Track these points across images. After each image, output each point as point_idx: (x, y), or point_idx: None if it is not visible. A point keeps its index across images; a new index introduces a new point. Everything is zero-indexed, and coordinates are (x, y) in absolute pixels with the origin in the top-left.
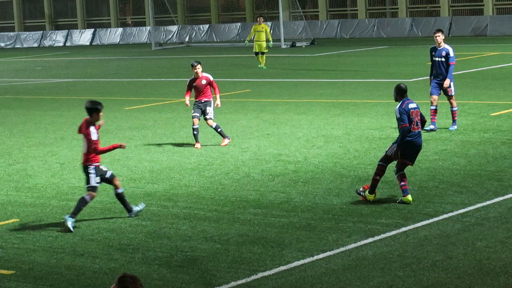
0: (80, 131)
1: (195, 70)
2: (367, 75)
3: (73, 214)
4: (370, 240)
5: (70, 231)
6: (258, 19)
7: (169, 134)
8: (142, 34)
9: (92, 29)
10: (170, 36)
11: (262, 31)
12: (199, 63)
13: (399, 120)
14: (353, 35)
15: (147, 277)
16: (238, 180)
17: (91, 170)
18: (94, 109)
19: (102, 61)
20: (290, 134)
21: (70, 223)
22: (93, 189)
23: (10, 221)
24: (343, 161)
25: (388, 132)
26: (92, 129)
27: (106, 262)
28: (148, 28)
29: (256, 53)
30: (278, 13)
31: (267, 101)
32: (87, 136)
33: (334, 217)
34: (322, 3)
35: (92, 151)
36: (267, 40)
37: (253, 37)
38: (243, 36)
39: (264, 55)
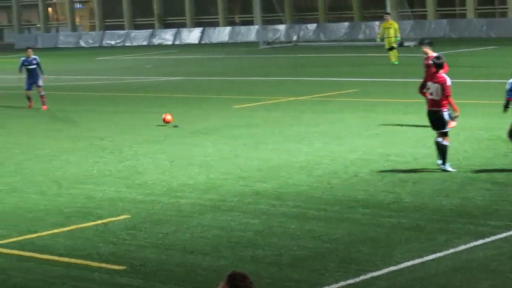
0: (429, 79)
1: None
2: (476, 75)
3: (444, 161)
4: (480, 242)
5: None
6: (384, 17)
7: (277, 132)
8: (250, 32)
9: (201, 28)
10: (277, 35)
11: (391, 28)
12: None
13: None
14: (462, 35)
15: (256, 275)
16: (346, 180)
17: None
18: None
19: (210, 60)
20: (399, 134)
21: (449, 167)
22: (446, 134)
23: (121, 217)
24: (452, 162)
25: (498, 133)
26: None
27: (215, 260)
28: (256, 27)
29: (389, 49)
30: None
31: (376, 101)
32: (442, 83)
33: (443, 218)
34: (431, 2)
35: (444, 98)
36: (395, 36)
37: (384, 35)
38: (351, 36)
39: (395, 51)
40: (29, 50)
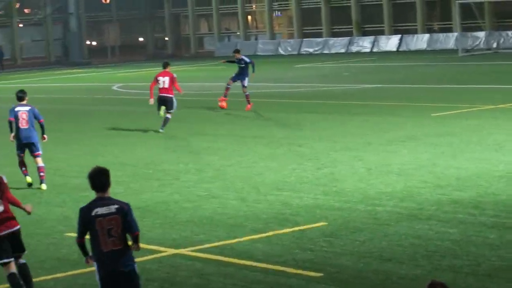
0: None
1: None
2: None
3: None
4: None
5: None
6: None
7: (476, 141)
8: (449, 40)
9: (399, 35)
10: (477, 42)
11: None
12: None
13: None
14: None
15: (454, 285)
16: None
17: None
18: None
19: (408, 67)
20: None
21: None
22: None
23: (319, 224)
24: None
25: None
26: None
27: (412, 268)
28: (455, 34)
29: None
30: None
31: None
32: None
33: None
34: None
35: None
36: None
37: None
38: None
39: None
40: (236, 53)
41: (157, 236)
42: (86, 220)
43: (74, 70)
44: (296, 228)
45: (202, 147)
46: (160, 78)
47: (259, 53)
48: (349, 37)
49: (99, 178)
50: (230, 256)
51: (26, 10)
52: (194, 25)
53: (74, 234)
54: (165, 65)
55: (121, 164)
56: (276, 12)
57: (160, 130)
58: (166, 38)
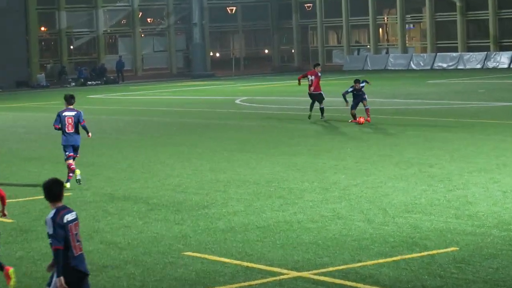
0: None
1: None
2: None
3: None
4: None
5: None
6: None
7: None
8: None
9: None
10: None
11: None
12: None
13: None
14: None
15: None
16: None
17: None
18: None
19: None
20: None
21: None
22: None
23: (449, 249)
24: None
25: None
26: None
27: None
28: None
29: None
30: None
31: None
32: None
33: None
34: None
35: None
36: None
37: None
38: None
39: None
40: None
41: (278, 257)
42: (61, 227)
43: (197, 82)
44: (425, 253)
45: (328, 165)
46: (309, 77)
47: (389, 68)
48: (485, 52)
49: (58, 188)
50: (354, 281)
51: (148, 20)
52: (323, 37)
53: (193, 254)
54: (315, 65)
55: (242, 181)
56: (409, 24)
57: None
58: (293, 51)
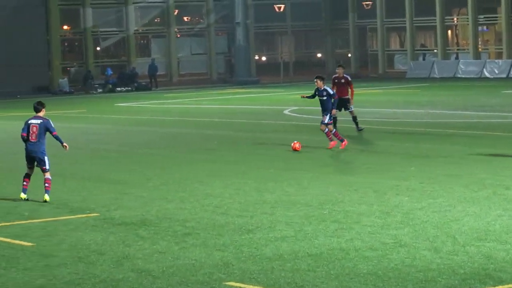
0: None
1: None
2: None
3: None
4: None
5: None
6: None
7: None
8: None
9: None
10: None
11: None
12: None
13: None
14: None
15: None
16: None
17: None
18: None
19: None
20: None
21: None
22: None
23: None
24: None
25: None
26: None
27: None
28: None
29: None
30: None
31: None
32: None
33: None
34: None
35: None
36: None
37: None
38: None
39: None
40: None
41: None
42: None
43: (240, 89)
44: (500, 287)
45: (388, 185)
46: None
47: (459, 75)
48: None
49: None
50: None
51: (185, 18)
52: (383, 40)
53: (236, 284)
54: (339, 66)
55: (292, 202)
56: (482, 26)
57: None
58: (349, 55)
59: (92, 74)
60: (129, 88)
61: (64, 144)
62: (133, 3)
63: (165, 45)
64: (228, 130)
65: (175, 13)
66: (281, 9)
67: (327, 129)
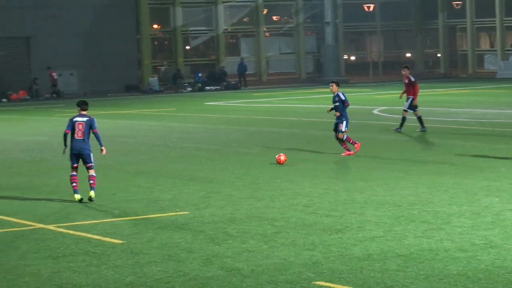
0: None
1: None
2: None
3: None
4: None
5: None
6: None
7: None
8: None
9: None
10: None
11: None
12: None
13: None
14: None
15: None
16: None
17: None
18: None
19: None
20: None
21: None
22: None
23: None
24: None
25: None
26: None
27: None
28: None
29: None
30: None
31: None
32: None
33: None
34: None
35: None
36: None
37: None
38: None
39: None
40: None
41: None
42: None
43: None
44: None
45: (478, 186)
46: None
47: None
48: None
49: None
50: None
51: (274, 18)
52: (473, 40)
53: (325, 284)
54: (404, 67)
55: (381, 202)
56: None
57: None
58: (439, 55)
59: (181, 73)
60: (218, 87)
61: (102, 147)
62: (223, 2)
63: (254, 44)
64: (316, 129)
65: (264, 12)
66: (370, 9)
67: (346, 136)
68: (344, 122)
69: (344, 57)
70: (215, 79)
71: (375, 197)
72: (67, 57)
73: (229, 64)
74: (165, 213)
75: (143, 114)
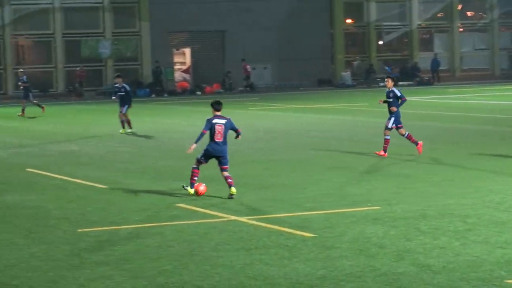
0: None
1: None
2: None
3: None
4: None
5: None
6: None
7: None
8: None
9: None
10: None
11: None
12: None
13: None
14: None
15: None
16: None
17: None
18: None
19: None
20: None
21: None
22: None
23: None
24: None
25: None
26: None
27: None
28: None
29: None
30: None
31: None
32: None
33: None
34: None
35: None
36: None
37: None
38: None
39: None
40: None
41: None
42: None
43: None
44: None
45: None
46: None
47: None
48: None
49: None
50: None
51: (468, 13)
52: None
53: None
54: None
55: None
56: None
57: None
58: None
59: (374, 68)
60: (411, 83)
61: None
62: None
63: (448, 40)
64: (509, 126)
65: (459, 8)
66: None
67: (407, 133)
68: (392, 119)
69: None
70: (407, 74)
71: None
72: (260, 50)
73: (421, 59)
74: (357, 207)
75: (335, 109)
